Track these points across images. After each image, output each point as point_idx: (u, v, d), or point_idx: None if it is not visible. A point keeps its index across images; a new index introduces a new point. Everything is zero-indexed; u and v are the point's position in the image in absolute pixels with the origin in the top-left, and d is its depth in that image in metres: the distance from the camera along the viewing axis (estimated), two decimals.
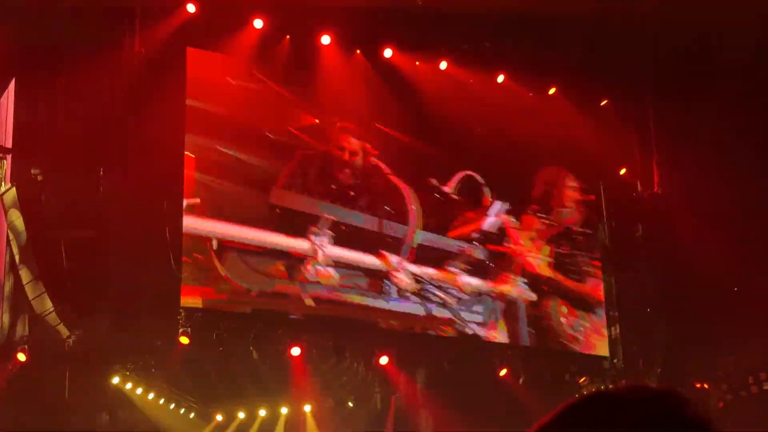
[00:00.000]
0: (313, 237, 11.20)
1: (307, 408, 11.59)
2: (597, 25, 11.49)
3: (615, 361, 12.05)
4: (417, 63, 11.83)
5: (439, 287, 11.82)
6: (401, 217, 12.00)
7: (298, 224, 11.24)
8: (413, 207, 12.07)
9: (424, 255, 11.95)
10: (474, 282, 12.06)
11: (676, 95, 12.17)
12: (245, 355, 10.54)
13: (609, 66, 12.10)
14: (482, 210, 12.37)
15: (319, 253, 11.09)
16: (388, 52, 11.58)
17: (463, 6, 11.09)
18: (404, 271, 11.65)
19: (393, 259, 11.64)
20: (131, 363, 10.44)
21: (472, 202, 12.33)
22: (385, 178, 12.02)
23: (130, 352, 10.31)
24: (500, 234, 12.37)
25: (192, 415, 11.47)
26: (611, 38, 11.69)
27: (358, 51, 11.48)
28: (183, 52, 10.45)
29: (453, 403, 11.15)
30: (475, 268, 12.08)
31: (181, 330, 9.85)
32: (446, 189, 12.27)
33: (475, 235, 12.26)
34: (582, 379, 11.88)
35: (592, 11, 11.16)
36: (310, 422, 11.60)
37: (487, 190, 12.36)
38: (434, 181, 12.16)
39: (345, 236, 11.45)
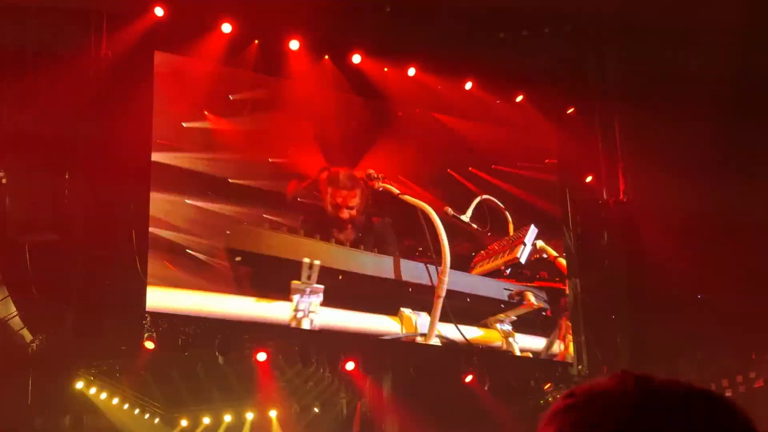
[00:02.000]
0: (296, 297, 9.54)
1: (273, 413, 11.57)
2: (564, 32, 11.56)
3: (579, 367, 12.10)
4: (385, 69, 11.84)
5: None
6: (426, 253, 9.94)
7: (273, 278, 9.36)
8: (442, 236, 9.77)
9: (461, 306, 10.07)
10: (534, 345, 10.61)
11: (642, 103, 12.26)
12: (211, 360, 10.48)
13: (576, 74, 12.18)
14: (509, 240, 10.92)
15: (305, 321, 9.51)
16: (356, 58, 11.59)
17: (431, 12, 11.13)
18: (437, 337, 9.71)
19: (420, 320, 9.98)
20: (95, 368, 10.38)
21: (496, 231, 11.01)
22: (400, 201, 10.11)
23: (94, 356, 10.24)
24: (544, 267, 11.05)
25: (157, 420, 11.41)
26: (578, 46, 11.77)
27: (326, 56, 11.48)
28: (150, 56, 10.40)
29: (419, 409, 11.15)
30: (531, 322, 10.53)
31: (146, 335, 9.78)
32: (464, 218, 10.60)
33: (508, 271, 10.58)
34: (547, 385, 11.93)
35: (559, 19, 11.25)
36: (276, 427, 11.57)
37: (509, 215, 11.10)
38: (450, 210, 10.68)
39: (345, 290, 9.71)
